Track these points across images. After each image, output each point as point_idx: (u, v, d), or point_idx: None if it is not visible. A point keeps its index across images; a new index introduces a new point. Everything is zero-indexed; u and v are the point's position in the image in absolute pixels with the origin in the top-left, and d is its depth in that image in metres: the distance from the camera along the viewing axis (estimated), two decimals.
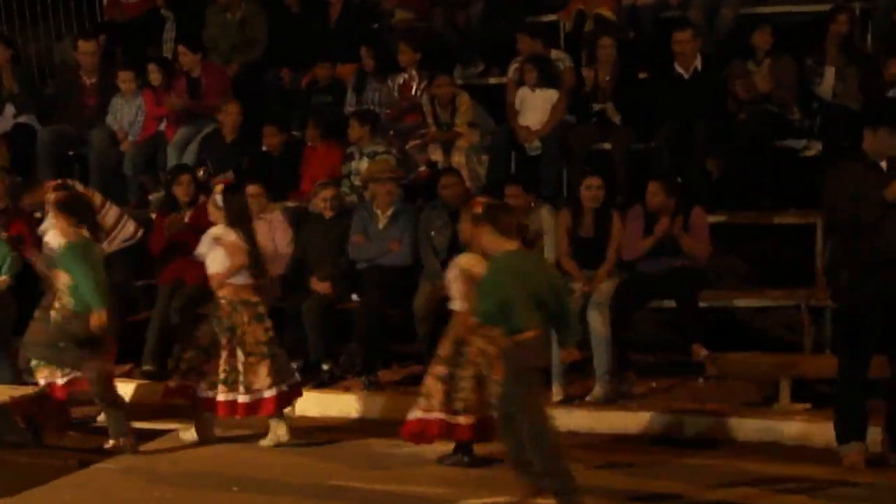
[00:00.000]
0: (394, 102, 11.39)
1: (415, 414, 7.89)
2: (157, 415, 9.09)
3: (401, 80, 11.40)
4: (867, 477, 7.56)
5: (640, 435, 8.71)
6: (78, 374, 8.49)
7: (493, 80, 11.85)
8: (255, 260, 8.44)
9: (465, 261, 7.71)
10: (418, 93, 11.25)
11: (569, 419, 8.68)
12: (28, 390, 8.84)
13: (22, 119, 12.01)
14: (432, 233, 9.74)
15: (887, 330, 7.67)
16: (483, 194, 8.68)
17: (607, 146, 10.53)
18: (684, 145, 10.17)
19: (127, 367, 10.10)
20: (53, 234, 8.91)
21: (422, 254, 9.81)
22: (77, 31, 13.01)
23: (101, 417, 8.69)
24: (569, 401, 9.01)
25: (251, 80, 12.00)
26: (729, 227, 9.97)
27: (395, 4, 12.32)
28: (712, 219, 9.66)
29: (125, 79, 11.70)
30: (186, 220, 10.22)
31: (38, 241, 9.49)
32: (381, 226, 10.01)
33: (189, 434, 8.65)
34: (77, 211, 8.53)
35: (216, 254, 8.44)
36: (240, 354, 8.36)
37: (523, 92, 10.76)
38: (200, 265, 8.65)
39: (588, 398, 9.05)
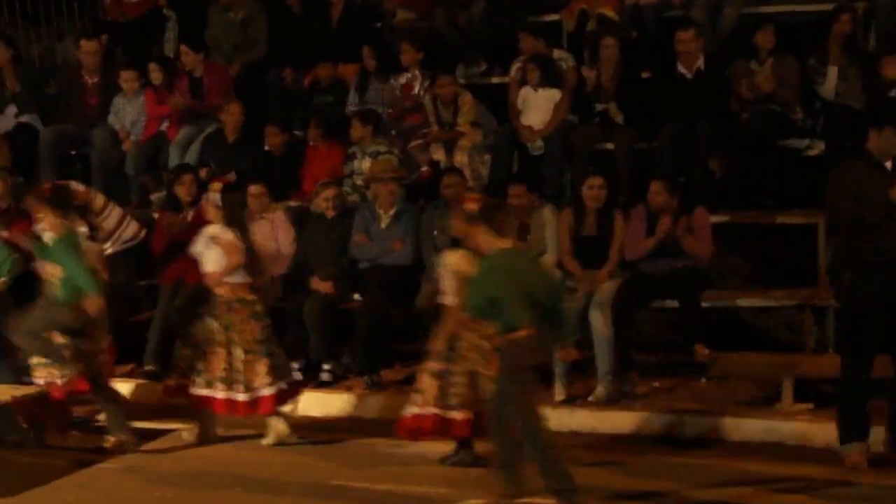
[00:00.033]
0: (396, 102, 11.37)
1: (410, 410, 7.88)
2: (159, 414, 9.10)
3: (403, 80, 11.38)
4: (869, 477, 7.55)
5: (643, 435, 8.70)
6: (77, 374, 8.48)
7: (495, 80, 11.83)
8: (251, 259, 8.45)
9: (452, 259, 7.71)
10: (420, 92, 11.23)
11: (571, 419, 8.69)
12: (29, 390, 8.81)
13: (24, 119, 11.99)
14: (434, 232, 9.72)
15: (890, 330, 7.67)
16: (482, 193, 8.67)
17: (610, 146, 10.52)
18: (687, 145, 10.16)
19: (129, 367, 10.10)
20: (43, 230, 8.89)
21: (424, 253, 9.81)
22: (79, 31, 13.01)
23: (102, 417, 8.69)
24: (571, 401, 9.00)
25: (253, 80, 12.00)
26: (732, 226, 9.96)
27: (397, 4, 12.31)
28: (715, 218, 9.64)
29: (127, 78, 11.69)
30: (189, 219, 10.21)
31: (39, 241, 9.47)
32: (383, 225, 10.00)
33: (190, 434, 8.65)
34: (60, 202, 8.58)
35: (212, 252, 8.45)
36: (237, 352, 8.37)
37: (526, 91, 10.75)
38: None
39: (590, 398, 9.03)
